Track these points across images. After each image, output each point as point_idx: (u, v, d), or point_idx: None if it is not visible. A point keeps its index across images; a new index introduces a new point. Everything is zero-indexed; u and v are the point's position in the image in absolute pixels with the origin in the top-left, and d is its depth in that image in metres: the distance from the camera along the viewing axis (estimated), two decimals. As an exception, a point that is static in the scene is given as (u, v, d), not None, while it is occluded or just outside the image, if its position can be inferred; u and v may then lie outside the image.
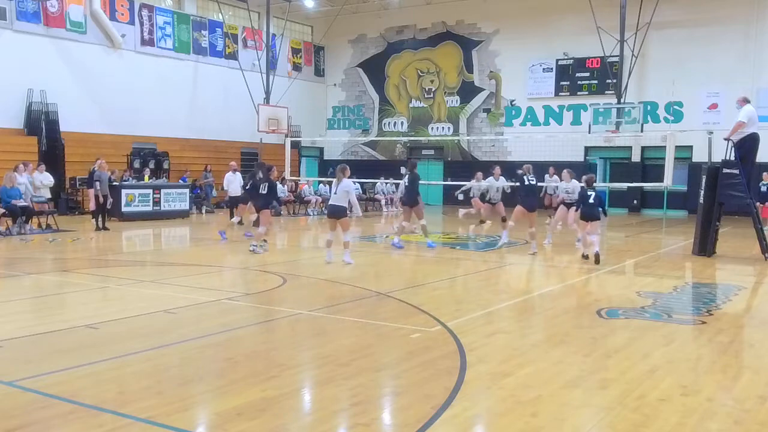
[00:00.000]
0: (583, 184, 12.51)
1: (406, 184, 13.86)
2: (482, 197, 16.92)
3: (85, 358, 5.72)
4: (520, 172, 13.48)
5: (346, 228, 11.60)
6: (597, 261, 11.74)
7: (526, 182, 13.26)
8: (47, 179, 18.41)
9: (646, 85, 25.89)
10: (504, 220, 14.93)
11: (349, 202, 11.67)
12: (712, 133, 15.05)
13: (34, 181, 17.79)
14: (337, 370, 5.45)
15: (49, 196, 18.48)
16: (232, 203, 19.22)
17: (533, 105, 28.39)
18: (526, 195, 13.27)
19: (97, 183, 16.98)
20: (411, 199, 13.81)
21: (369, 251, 14.13)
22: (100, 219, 17.00)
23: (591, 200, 12.24)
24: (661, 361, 5.89)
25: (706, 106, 24.71)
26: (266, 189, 12.89)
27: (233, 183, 19.10)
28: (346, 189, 11.43)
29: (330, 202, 11.71)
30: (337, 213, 11.59)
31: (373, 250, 14.28)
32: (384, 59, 31.79)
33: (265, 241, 13.07)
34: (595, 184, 12.42)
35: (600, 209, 12.23)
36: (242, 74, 26.12)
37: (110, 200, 17.36)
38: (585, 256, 12.31)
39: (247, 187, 14.56)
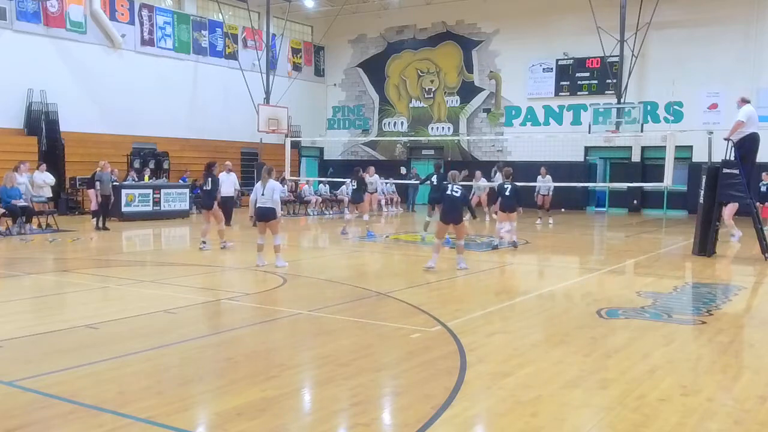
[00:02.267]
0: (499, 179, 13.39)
1: (434, 183, 14.83)
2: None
3: (85, 358, 5.72)
4: (444, 181, 11.62)
5: (275, 231, 11.12)
6: (515, 246, 13.51)
7: (448, 191, 10.86)
8: (48, 178, 18.40)
9: (646, 85, 25.88)
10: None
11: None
12: (712, 133, 15.05)
13: (35, 180, 17.80)
14: (337, 370, 5.45)
15: (50, 195, 18.47)
16: (225, 204, 19.02)
17: (533, 105, 28.38)
18: (447, 208, 10.92)
19: (98, 183, 17.02)
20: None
21: (369, 251, 14.13)
22: (100, 219, 17.01)
23: (508, 193, 13.31)
24: (661, 361, 5.89)
25: (706, 106, 24.70)
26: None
27: (226, 183, 18.92)
28: (272, 188, 10.99)
29: (258, 205, 11.04)
30: (266, 215, 11.02)
31: (372, 250, 14.28)
32: (384, 59, 31.78)
33: (204, 242, 13.29)
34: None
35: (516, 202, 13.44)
36: (242, 74, 26.12)
37: (112, 199, 17.40)
38: (515, 245, 13.62)
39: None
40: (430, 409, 4.57)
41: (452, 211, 10.79)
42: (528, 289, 9.99)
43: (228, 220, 18.80)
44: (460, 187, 10.90)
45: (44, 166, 18.77)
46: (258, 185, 11.17)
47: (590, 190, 27.34)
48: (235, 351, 6.13)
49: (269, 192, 10.97)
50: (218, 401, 4.81)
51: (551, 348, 6.28)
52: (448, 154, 30.06)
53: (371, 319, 7.38)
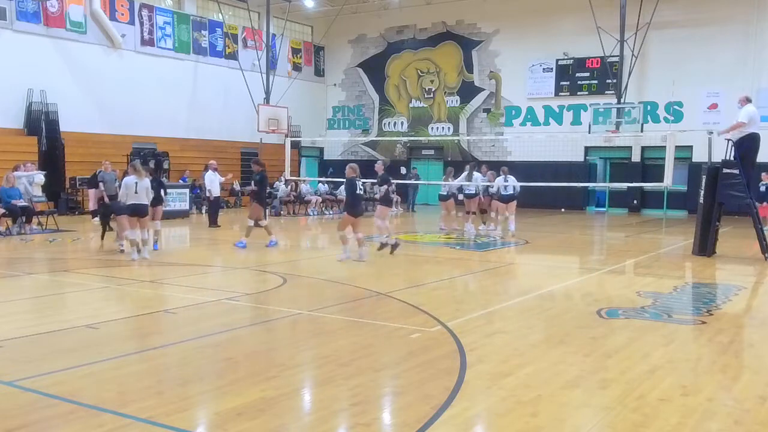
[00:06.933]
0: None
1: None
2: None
3: (85, 358, 5.72)
4: (344, 177, 12.21)
5: None
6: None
7: (357, 189, 11.98)
8: (38, 178, 18.31)
9: (646, 85, 25.88)
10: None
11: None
12: (712, 133, 15.01)
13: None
14: (337, 370, 5.45)
15: (39, 193, 18.34)
16: (214, 205, 18.91)
17: (533, 105, 28.38)
18: (355, 202, 12.03)
19: (101, 184, 17.00)
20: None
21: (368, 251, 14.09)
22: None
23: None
24: (661, 361, 5.89)
25: (706, 106, 24.70)
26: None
27: (214, 183, 18.81)
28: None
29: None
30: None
31: (372, 250, 14.24)
32: (384, 59, 31.78)
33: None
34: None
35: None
36: (242, 74, 26.12)
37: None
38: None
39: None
40: (430, 409, 4.57)
41: (359, 207, 12.23)
42: (528, 289, 9.99)
43: (214, 221, 18.53)
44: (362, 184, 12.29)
45: (35, 165, 18.63)
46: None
47: (590, 190, 27.35)
48: (235, 351, 6.13)
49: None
50: (218, 401, 4.81)
51: (551, 348, 6.27)
52: (448, 154, 30.08)
53: (371, 319, 7.38)
